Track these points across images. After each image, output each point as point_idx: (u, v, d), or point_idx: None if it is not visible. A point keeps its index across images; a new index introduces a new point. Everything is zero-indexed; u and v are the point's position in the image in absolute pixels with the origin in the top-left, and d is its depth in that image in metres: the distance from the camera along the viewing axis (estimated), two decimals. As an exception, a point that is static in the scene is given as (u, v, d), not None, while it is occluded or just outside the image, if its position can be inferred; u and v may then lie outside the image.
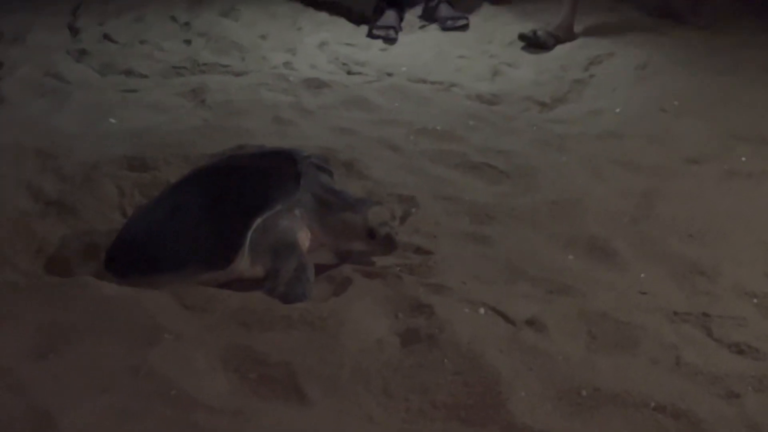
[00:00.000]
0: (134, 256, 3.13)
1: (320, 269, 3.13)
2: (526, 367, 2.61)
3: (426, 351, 2.65)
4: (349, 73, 5.35)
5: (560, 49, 5.69)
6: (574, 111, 4.82)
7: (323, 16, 6.34)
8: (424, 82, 5.21)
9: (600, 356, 2.71)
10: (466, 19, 6.21)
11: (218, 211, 3.11)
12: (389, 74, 5.31)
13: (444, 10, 6.24)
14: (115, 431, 2.31)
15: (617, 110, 4.72)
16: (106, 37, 5.83)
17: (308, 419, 2.41)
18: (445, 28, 6.14)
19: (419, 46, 5.90)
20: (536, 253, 3.32)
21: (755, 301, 3.03)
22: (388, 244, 3.15)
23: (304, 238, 3.15)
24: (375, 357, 2.64)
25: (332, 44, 5.84)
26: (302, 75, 5.20)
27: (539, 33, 5.71)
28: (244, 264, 3.05)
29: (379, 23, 6.06)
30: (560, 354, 2.68)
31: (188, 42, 5.78)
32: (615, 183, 3.90)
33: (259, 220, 3.06)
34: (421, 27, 6.28)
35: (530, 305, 2.94)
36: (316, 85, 5.03)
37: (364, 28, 6.11)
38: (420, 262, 3.19)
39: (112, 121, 4.42)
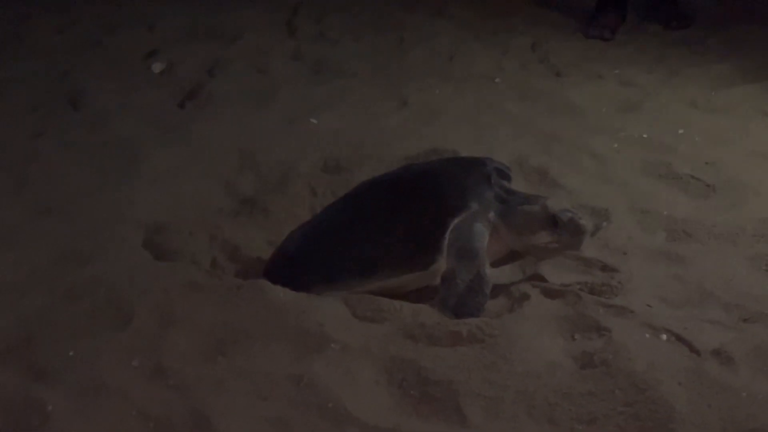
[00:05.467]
0: (319, 265, 3.07)
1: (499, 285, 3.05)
2: (705, 403, 2.44)
3: (598, 378, 2.52)
4: (557, 74, 5.18)
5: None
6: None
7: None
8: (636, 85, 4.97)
9: (791, 396, 2.48)
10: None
11: (410, 213, 3.04)
12: (600, 76, 5.10)
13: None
14: (268, 441, 2.32)
15: None
16: (322, 35, 5.86)
17: (465, 443, 2.33)
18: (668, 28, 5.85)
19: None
20: (734, 276, 3.10)
21: None
22: (575, 230, 2.99)
23: (492, 243, 3.05)
24: (543, 381, 2.53)
25: (544, 44, 5.67)
26: (509, 77, 5.08)
27: None
28: (442, 264, 2.98)
29: (595, 22, 5.82)
30: (744, 390, 2.48)
31: (401, 40, 5.75)
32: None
33: (456, 220, 2.99)
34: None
35: (719, 334, 2.74)
36: (521, 88, 4.90)
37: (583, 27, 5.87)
38: (604, 281, 3.04)
39: (314, 121, 4.45)
